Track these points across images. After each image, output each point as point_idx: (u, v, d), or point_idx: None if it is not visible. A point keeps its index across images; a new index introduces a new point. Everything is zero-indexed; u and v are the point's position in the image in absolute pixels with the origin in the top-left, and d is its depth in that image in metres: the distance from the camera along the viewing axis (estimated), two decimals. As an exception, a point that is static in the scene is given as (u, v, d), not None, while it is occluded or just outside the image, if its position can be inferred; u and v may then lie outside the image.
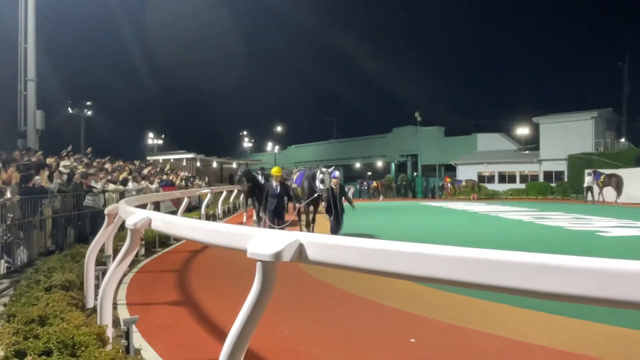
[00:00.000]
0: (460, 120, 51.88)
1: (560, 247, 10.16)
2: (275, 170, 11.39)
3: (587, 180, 27.64)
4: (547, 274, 1.43)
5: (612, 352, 3.99)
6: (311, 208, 11.53)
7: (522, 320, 4.90)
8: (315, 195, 10.88)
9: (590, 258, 1.37)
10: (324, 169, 10.85)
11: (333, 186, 10.89)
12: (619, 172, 27.17)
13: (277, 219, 11.26)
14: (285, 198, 12.04)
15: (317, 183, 10.67)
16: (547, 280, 1.42)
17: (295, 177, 12.23)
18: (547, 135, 36.71)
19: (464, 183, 36.52)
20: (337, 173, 11.42)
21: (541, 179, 36.92)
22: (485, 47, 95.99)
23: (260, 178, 14.76)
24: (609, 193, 26.65)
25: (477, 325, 4.73)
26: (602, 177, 26.90)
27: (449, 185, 36.73)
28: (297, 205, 11.96)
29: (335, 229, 10.93)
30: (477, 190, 35.47)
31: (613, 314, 4.70)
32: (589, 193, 27.63)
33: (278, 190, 10.94)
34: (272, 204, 10.86)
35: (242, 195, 18.76)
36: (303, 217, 12.18)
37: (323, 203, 10.93)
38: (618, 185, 26.31)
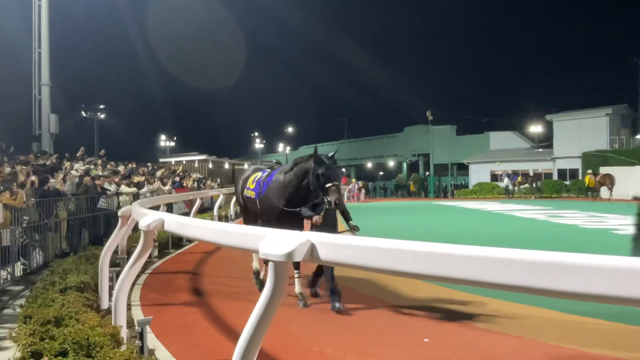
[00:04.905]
0: (473, 119, 51.27)
1: (575, 245, 10.04)
2: None
3: (506, 181, 33.24)
4: (563, 273, 1.41)
5: (628, 351, 3.93)
6: None
7: (537, 320, 4.85)
8: None
9: (606, 256, 1.35)
10: None
11: None
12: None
13: None
14: None
15: None
16: (563, 279, 1.41)
17: None
18: (560, 133, 36.20)
19: (360, 184, 36.50)
20: None
21: (555, 177, 36.46)
22: (496, 45, 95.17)
23: None
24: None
25: (491, 325, 4.70)
26: (519, 178, 33.51)
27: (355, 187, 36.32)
28: None
29: None
30: (367, 191, 37.35)
31: (628, 313, 4.62)
32: (507, 191, 33.03)
33: None
34: None
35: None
36: None
37: None
38: (532, 184, 33.01)
